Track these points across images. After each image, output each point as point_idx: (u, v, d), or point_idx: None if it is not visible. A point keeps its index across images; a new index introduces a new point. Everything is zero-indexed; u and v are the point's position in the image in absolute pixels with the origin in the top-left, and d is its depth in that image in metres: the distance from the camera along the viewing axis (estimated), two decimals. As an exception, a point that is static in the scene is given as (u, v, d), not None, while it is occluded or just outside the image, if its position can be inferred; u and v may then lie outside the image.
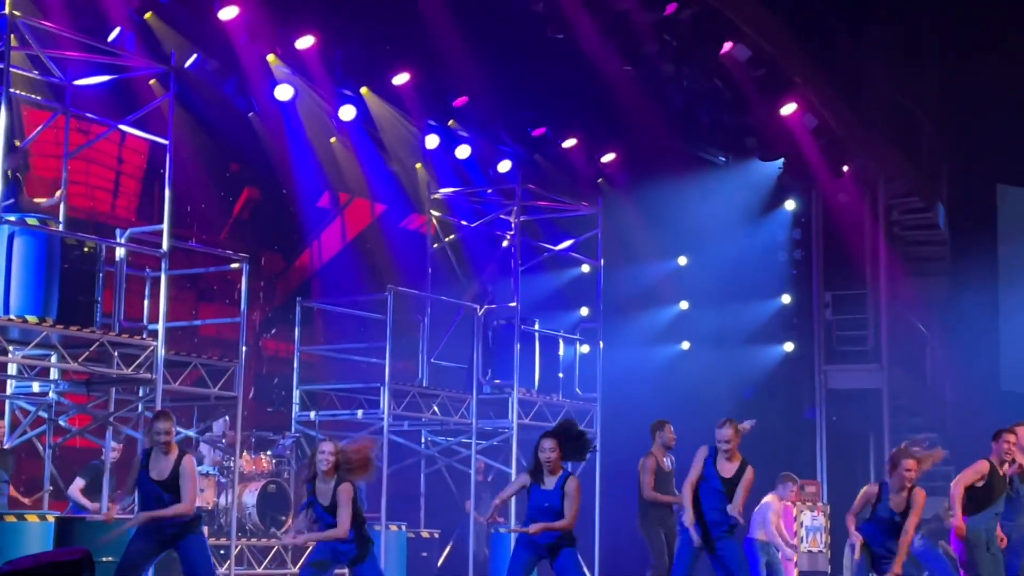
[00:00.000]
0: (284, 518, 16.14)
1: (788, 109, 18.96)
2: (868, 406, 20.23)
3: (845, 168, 20.74)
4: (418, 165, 19.38)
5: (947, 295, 22.13)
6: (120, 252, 14.38)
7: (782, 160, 20.96)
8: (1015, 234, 22.88)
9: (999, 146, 22.08)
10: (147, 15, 15.09)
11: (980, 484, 11.34)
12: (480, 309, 17.09)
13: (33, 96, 14.15)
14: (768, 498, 14.71)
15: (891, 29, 21.32)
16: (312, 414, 16.66)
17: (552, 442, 9.94)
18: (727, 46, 17.42)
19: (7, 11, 12.23)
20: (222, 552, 14.65)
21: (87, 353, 13.17)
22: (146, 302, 14.44)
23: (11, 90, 12.66)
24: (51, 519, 11.75)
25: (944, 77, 22.10)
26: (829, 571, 17.29)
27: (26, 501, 13.78)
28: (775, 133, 19.59)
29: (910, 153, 21.42)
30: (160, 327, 13.49)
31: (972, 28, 21.96)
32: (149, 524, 10.09)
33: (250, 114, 17.65)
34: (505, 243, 18.47)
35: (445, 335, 17.10)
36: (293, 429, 17.03)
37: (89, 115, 14.40)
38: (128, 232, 15.08)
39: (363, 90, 17.78)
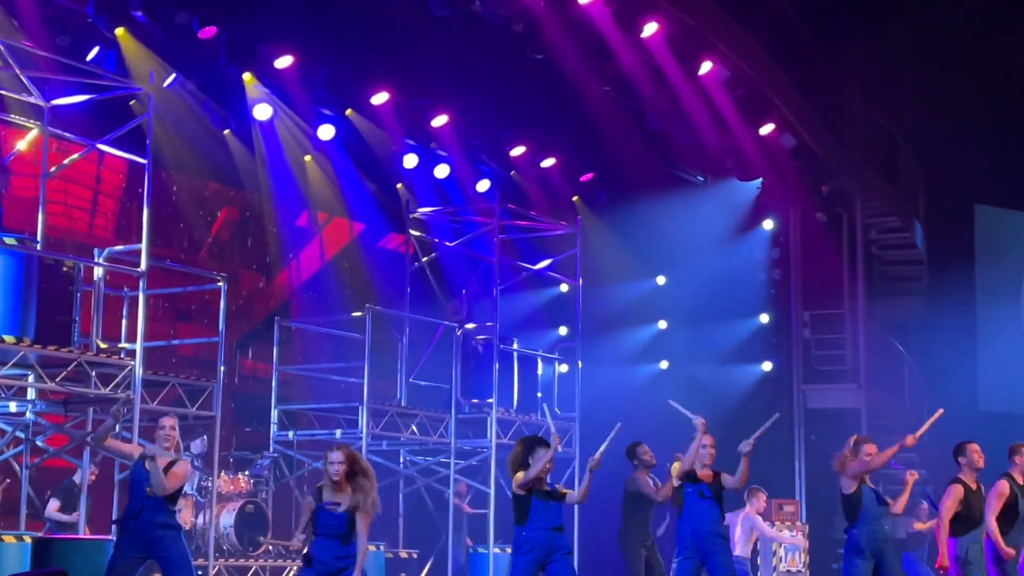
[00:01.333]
0: (262, 538, 16.13)
1: (766, 129, 19.05)
2: (846, 425, 20.28)
3: (823, 188, 20.85)
4: (399, 185, 19.41)
5: (925, 314, 22.23)
6: (98, 272, 14.39)
7: (760, 180, 21.04)
8: (992, 253, 23.00)
9: (976, 166, 22.23)
10: (122, 35, 15.07)
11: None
12: (459, 329, 17.13)
13: (11, 116, 14.16)
14: (746, 511, 14.84)
15: (869, 51, 21.46)
16: (290, 434, 16.67)
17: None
18: (706, 67, 17.50)
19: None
20: (199, 573, 14.63)
21: (64, 373, 13.18)
22: (124, 322, 14.45)
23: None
24: (28, 540, 11.73)
25: (921, 98, 22.25)
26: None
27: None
28: (753, 153, 19.67)
29: (887, 173, 21.54)
30: (138, 347, 13.49)
31: (950, 50, 22.10)
32: (133, 529, 10.05)
33: (226, 131, 17.66)
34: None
35: (424, 355, 17.11)
36: (271, 449, 17.03)
37: (67, 135, 14.42)
38: (106, 252, 15.09)
39: (348, 111, 17.81)
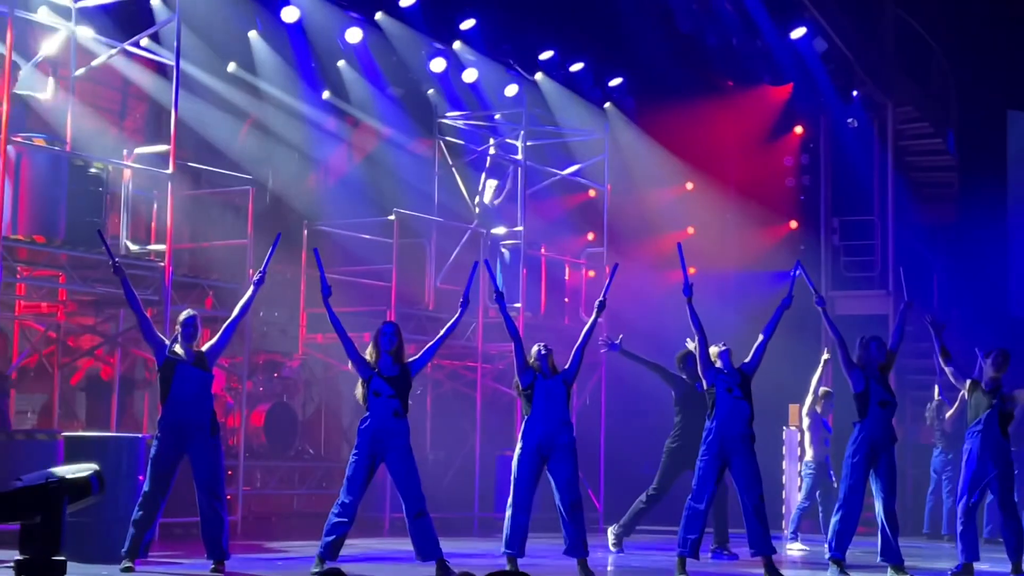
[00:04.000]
0: (292, 439, 16.37)
1: (797, 33, 18.95)
2: (874, 332, 20.25)
3: (854, 93, 20.74)
4: (429, 91, 19.38)
5: (955, 221, 22.17)
6: (127, 173, 14.49)
7: (791, 85, 20.95)
8: (1025, 159, 22.90)
9: (1010, 72, 22.02)
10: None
11: None
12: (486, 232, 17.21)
13: (38, 17, 14.19)
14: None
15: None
16: (319, 336, 16.85)
17: None
18: (736, -32, 17.42)
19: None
20: (230, 473, 14.87)
21: (95, 274, 13.31)
22: (153, 224, 14.57)
23: (16, 11, 12.72)
24: (60, 438, 11.93)
25: (954, 2, 22.01)
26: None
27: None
28: (784, 57, 19.58)
29: (919, 78, 21.40)
30: (167, 248, 13.62)
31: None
32: (175, 418, 10.20)
33: (251, 32, 17.64)
34: (512, 167, 18.53)
35: (450, 259, 17.20)
36: (300, 351, 17.22)
37: (96, 36, 14.46)
38: (135, 152, 15.19)
39: (377, 15, 17.75)
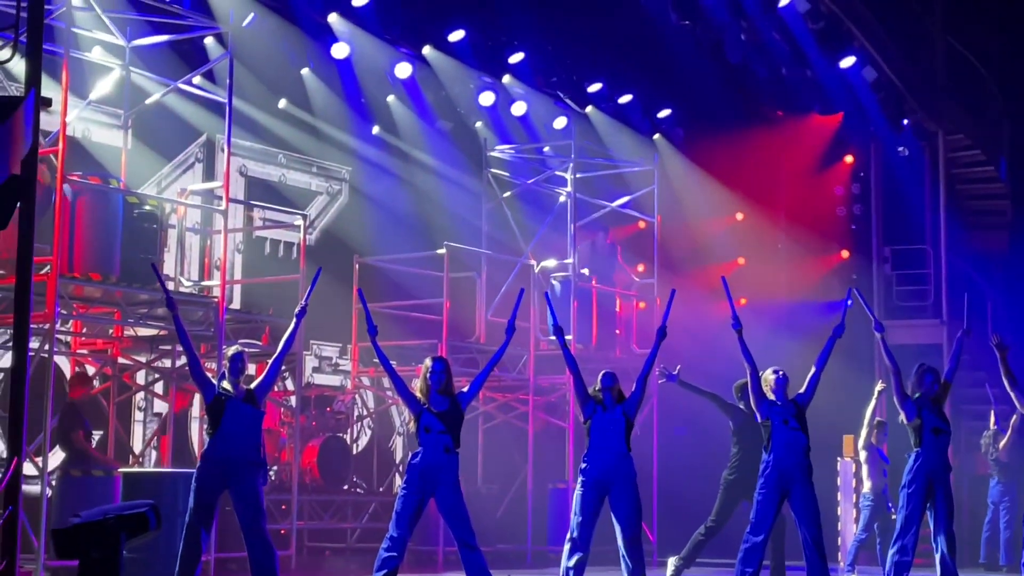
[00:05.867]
0: (345, 473, 16.40)
1: (847, 62, 18.90)
2: (928, 362, 20.11)
3: (905, 121, 20.65)
4: (477, 124, 19.46)
5: (1008, 249, 22.00)
6: (181, 210, 14.59)
7: (841, 114, 20.89)
8: (1077, 187, 22.74)
9: (1062, 98, 21.93)
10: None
11: None
12: (536, 266, 17.23)
13: (92, 57, 14.34)
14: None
15: (951, -21, 21.19)
16: (370, 370, 16.89)
17: None
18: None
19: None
20: (284, 508, 14.91)
21: (150, 311, 13.39)
22: (207, 260, 14.66)
23: (71, 52, 12.85)
24: (117, 474, 11.99)
25: (1004, 27, 21.89)
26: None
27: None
28: (833, 87, 19.52)
29: (971, 106, 21.27)
30: (221, 283, 13.70)
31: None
32: (220, 454, 10.22)
33: (304, 70, 17.78)
34: (562, 199, 18.55)
35: (501, 291, 17.21)
36: (352, 385, 17.27)
37: (149, 74, 14.60)
38: (188, 189, 15.30)
39: (425, 49, 17.85)
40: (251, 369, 14.46)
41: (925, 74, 20.44)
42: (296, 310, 10.82)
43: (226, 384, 10.38)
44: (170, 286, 13.11)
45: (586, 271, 18.15)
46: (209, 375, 10.58)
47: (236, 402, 10.31)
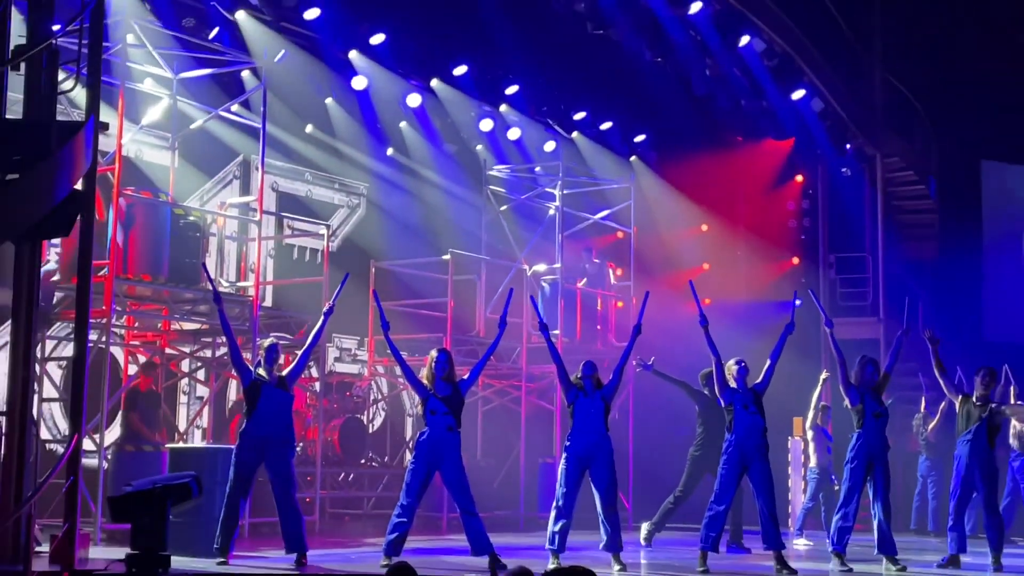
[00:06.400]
0: (362, 449, 16.37)
1: (797, 95, 18.89)
2: (866, 354, 20.10)
3: (847, 146, 20.65)
4: (479, 147, 19.43)
5: (937, 256, 22.00)
6: (220, 221, 14.56)
7: (792, 139, 20.88)
8: (997, 203, 22.71)
9: (983, 127, 21.93)
10: (240, 16, 15.17)
11: None
12: (529, 270, 17.20)
13: (144, 88, 14.31)
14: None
15: (887, 23, 21.15)
16: (384, 360, 16.85)
17: None
18: (744, 40, 17.35)
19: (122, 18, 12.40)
20: (309, 479, 14.89)
21: (193, 308, 13.38)
22: (243, 263, 14.63)
23: (126, 83, 12.84)
24: (165, 449, 11.97)
25: (934, 65, 21.89)
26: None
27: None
28: (786, 116, 19.51)
29: (904, 133, 21.28)
30: (255, 284, 13.69)
31: (959, 22, 21.78)
32: (257, 432, 10.18)
33: (327, 99, 17.76)
34: (551, 212, 18.53)
35: (498, 292, 17.19)
36: (369, 373, 17.24)
37: (193, 102, 14.58)
38: (227, 202, 15.28)
39: (433, 82, 17.83)
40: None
41: (865, 105, 20.44)
42: (324, 309, 10.81)
43: (261, 371, 10.36)
44: (210, 286, 13.09)
45: (582, 282, 18.13)
46: (246, 363, 10.57)
47: (270, 387, 10.29)
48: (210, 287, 10.96)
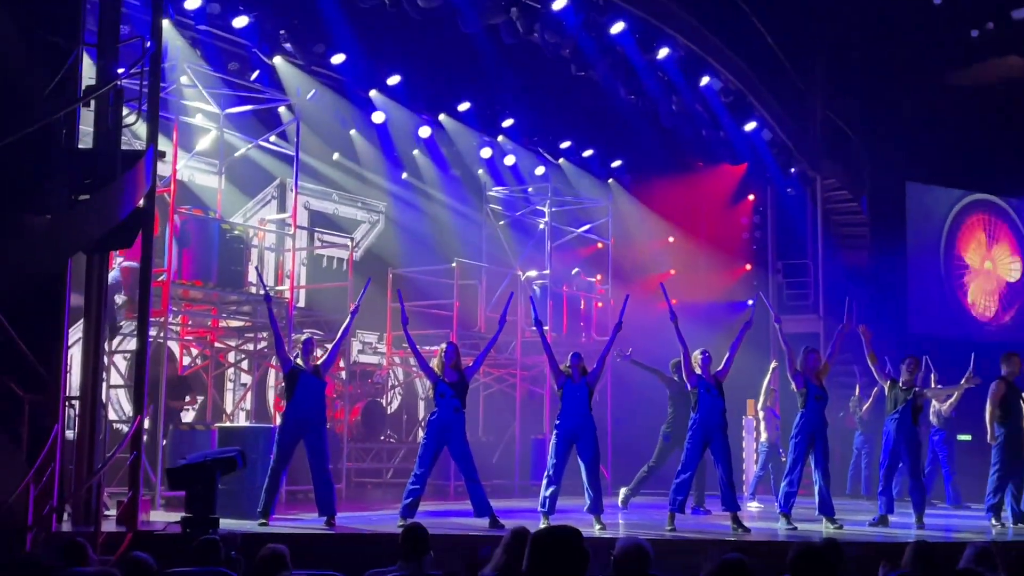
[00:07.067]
0: (381, 427, 16.34)
1: (750, 126, 18.88)
2: (811, 345, 20.06)
3: (792, 170, 20.64)
4: (480, 171, 19.42)
5: (868, 263, 21.99)
6: (261, 234, 14.53)
7: (745, 164, 20.88)
8: (919, 218, 22.74)
9: (907, 153, 21.97)
10: (277, 61, 15.16)
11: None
12: (523, 275, 17.16)
13: (195, 121, 14.28)
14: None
15: (826, 65, 21.15)
16: (400, 352, 16.81)
17: None
18: (704, 80, 17.35)
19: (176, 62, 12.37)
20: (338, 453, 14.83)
21: (238, 309, 13.34)
22: (280, 270, 14.59)
23: (180, 117, 12.82)
24: (214, 428, 11.93)
25: (865, 102, 21.91)
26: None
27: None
28: (740, 144, 19.51)
29: (840, 159, 21.26)
30: (290, 287, 13.66)
31: (885, 64, 21.81)
32: (297, 414, 10.15)
33: (351, 131, 17.74)
34: (541, 226, 18.52)
35: (496, 294, 17.18)
36: (387, 363, 17.20)
37: (237, 134, 14.55)
38: (266, 219, 15.24)
39: (441, 116, 17.83)
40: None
41: (806, 135, 20.44)
42: (351, 308, 10.79)
43: (299, 361, 10.35)
44: (252, 290, 13.07)
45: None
46: (287, 354, 10.57)
47: (306, 375, 10.27)
48: (263, 291, 11.03)
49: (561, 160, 20.06)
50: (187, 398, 13.33)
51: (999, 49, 21.70)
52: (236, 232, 13.34)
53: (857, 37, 21.58)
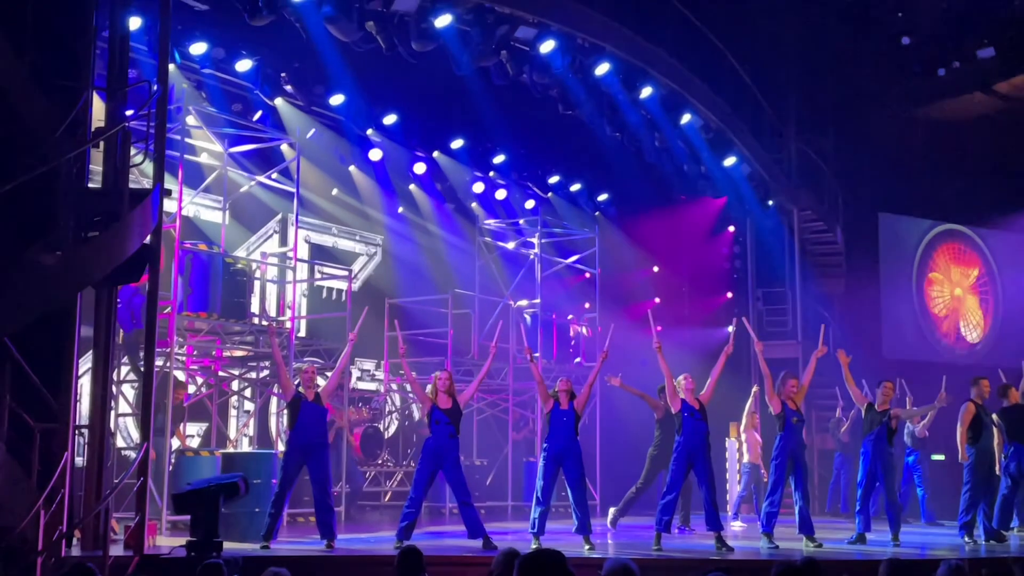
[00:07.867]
0: (379, 451, 16.27)
1: (729, 161, 18.96)
2: (788, 370, 20.05)
3: (770, 202, 20.71)
4: (473, 205, 19.46)
5: (843, 291, 22.04)
6: (263, 267, 14.50)
7: (725, 198, 20.95)
8: (891, 247, 22.83)
9: (879, 185, 22.07)
10: (279, 102, 15.21)
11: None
12: (514, 304, 17.16)
13: (200, 160, 14.31)
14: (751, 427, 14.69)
15: (800, 103, 21.28)
16: (397, 379, 16.77)
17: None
18: (686, 117, 17.44)
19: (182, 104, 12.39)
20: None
21: (241, 339, 13.30)
22: (281, 301, 14.56)
23: (185, 156, 12.84)
24: (218, 454, 11.87)
25: (839, 137, 22.04)
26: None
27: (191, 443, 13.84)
28: (720, 178, 19.58)
29: (815, 191, 21.35)
30: (291, 318, 13.62)
31: (856, 101, 21.95)
32: (301, 440, 10.12)
33: (350, 167, 17.78)
34: (531, 257, 18.54)
35: (488, 323, 17.16)
36: (384, 389, 17.15)
37: (240, 171, 14.56)
38: (268, 252, 15.22)
39: (435, 153, 17.88)
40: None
41: (783, 169, 20.52)
42: (350, 337, 10.79)
43: (302, 389, 10.33)
44: (255, 321, 13.05)
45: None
46: (289, 382, 10.56)
47: (308, 402, 10.25)
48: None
49: (550, 194, 20.10)
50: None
51: (965, 87, 21.86)
52: (239, 265, 13.32)
53: (829, 76, 21.72)
